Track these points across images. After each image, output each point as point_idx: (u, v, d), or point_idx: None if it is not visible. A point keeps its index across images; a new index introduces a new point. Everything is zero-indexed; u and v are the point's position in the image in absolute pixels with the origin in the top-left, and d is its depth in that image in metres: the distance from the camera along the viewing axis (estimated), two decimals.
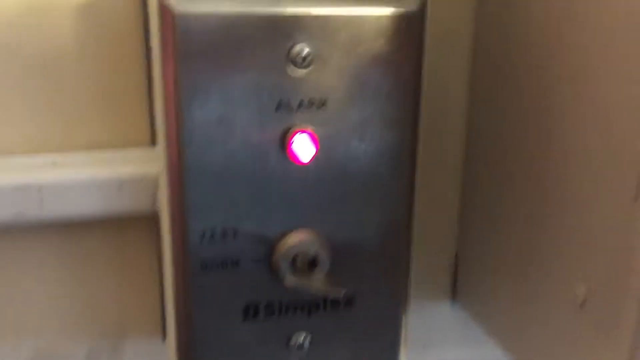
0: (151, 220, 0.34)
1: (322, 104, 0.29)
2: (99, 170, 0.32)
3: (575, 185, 0.27)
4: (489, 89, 0.34)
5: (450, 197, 0.39)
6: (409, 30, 0.29)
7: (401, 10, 0.29)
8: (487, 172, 0.35)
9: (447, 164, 0.38)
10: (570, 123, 0.28)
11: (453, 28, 0.36)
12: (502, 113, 0.33)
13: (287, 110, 0.29)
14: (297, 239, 0.30)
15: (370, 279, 0.33)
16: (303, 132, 0.29)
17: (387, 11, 0.29)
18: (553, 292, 0.29)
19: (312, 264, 0.31)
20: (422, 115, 0.32)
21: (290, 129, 0.29)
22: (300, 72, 0.29)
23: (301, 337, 0.32)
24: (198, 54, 0.28)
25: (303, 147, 0.29)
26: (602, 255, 0.26)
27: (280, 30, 0.28)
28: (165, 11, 0.27)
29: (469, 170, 0.38)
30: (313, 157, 0.29)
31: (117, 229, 0.34)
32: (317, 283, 0.30)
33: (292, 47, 0.28)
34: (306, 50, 0.28)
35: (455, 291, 0.41)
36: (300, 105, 0.29)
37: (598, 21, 0.25)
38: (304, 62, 0.28)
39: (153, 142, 0.34)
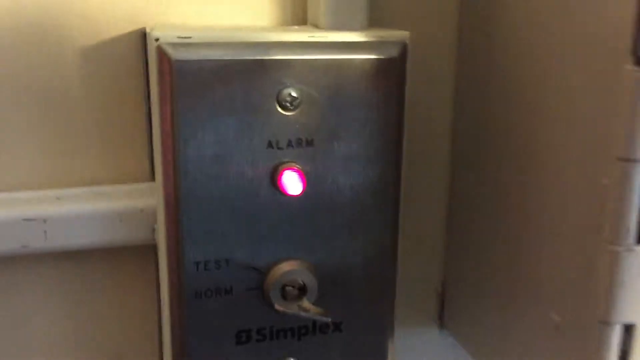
0: (149, 250, 0.35)
1: (309, 142, 0.31)
2: (101, 204, 0.33)
3: (547, 224, 0.29)
4: (471, 128, 0.36)
5: (437, 227, 0.40)
6: (390, 74, 0.31)
7: (382, 56, 0.31)
8: (470, 206, 0.36)
9: (432, 195, 0.39)
10: (541, 172, 0.29)
11: (434, 70, 0.37)
12: (485, 149, 0.34)
13: (277, 148, 0.30)
14: (286, 268, 0.32)
15: (357, 306, 0.34)
16: (292, 169, 0.31)
17: (369, 57, 0.31)
18: (531, 318, 0.30)
19: (301, 291, 0.32)
20: (405, 152, 0.33)
21: (279, 166, 0.31)
22: (289, 114, 0.30)
23: None
24: (193, 96, 0.29)
25: (292, 183, 0.31)
26: (572, 284, 0.27)
27: (270, 75, 0.29)
28: (163, 57, 0.29)
29: (454, 202, 0.39)
30: (301, 191, 0.31)
31: (117, 260, 0.35)
32: (305, 309, 0.31)
33: (280, 90, 0.30)
34: (294, 93, 0.30)
35: (442, 318, 0.42)
36: (289, 144, 0.31)
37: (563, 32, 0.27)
38: (291, 104, 0.30)
39: (152, 178, 0.34)
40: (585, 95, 0.25)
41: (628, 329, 0.24)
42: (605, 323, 0.24)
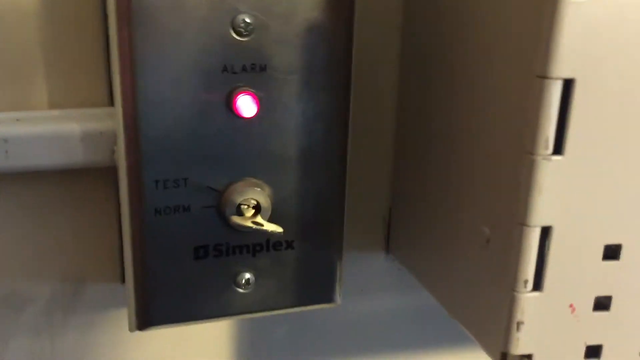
0: (109, 172, 0.36)
1: (263, 68, 0.32)
2: (61, 126, 0.33)
3: (477, 146, 0.31)
4: (415, 61, 0.37)
5: (384, 158, 0.42)
6: (340, 4, 0.32)
7: None
8: (413, 132, 0.38)
9: (380, 129, 0.41)
10: (472, 97, 0.31)
11: (382, 3, 0.38)
12: (426, 85, 0.36)
13: (232, 73, 0.31)
14: (241, 188, 0.33)
15: (308, 226, 0.35)
16: (246, 93, 0.32)
17: None
18: (466, 236, 0.33)
19: (256, 209, 0.33)
20: (354, 82, 0.34)
21: (234, 89, 0.32)
22: (243, 40, 0.31)
23: (247, 276, 0.35)
24: (150, 21, 0.30)
25: (246, 106, 0.32)
26: (500, 196, 0.29)
27: (224, 1, 0.30)
28: None
29: (399, 134, 0.40)
30: (255, 114, 0.32)
31: (77, 181, 0.36)
32: (259, 224, 0.33)
33: (235, 16, 0.31)
34: (248, 19, 0.31)
35: (388, 243, 0.44)
36: (243, 68, 0.32)
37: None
38: (245, 30, 0.31)
39: (111, 103, 0.35)
40: (516, 22, 0.27)
41: (545, 231, 0.27)
42: (526, 225, 0.27)
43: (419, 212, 0.39)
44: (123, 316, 0.39)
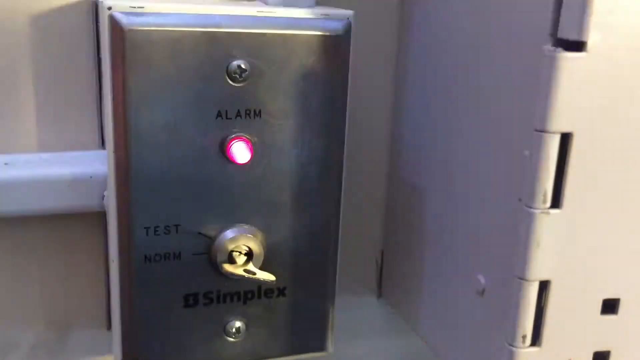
0: (98, 217, 0.35)
1: (257, 113, 0.32)
2: (49, 170, 0.33)
3: (474, 195, 0.31)
4: (410, 105, 0.37)
5: (376, 202, 0.42)
6: (335, 50, 0.32)
7: (328, 33, 0.32)
8: (407, 182, 0.38)
9: (373, 171, 0.41)
10: (470, 147, 0.31)
11: (377, 48, 0.39)
12: (421, 130, 0.36)
13: (226, 118, 0.31)
14: (233, 234, 0.33)
15: (300, 272, 0.35)
16: (240, 139, 0.32)
17: (316, 33, 0.32)
18: (460, 284, 0.32)
19: (248, 256, 0.33)
20: (348, 125, 0.34)
21: (228, 135, 0.32)
22: (238, 85, 0.31)
23: (237, 324, 0.35)
24: (145, 65, 0.30)
25: (240, 152, 0.32)
26: (496, 248, 0.29)
27: (220, 47, 0.30)
28: (115, 26, 0.29)
29: (392, 178, 0.41)
30: (249, 160, 0.32)
31: (65, 226, 0.36)
32: (251, 272, 0.33)
33: (230, 62, 0.31)
34: (243, 65, 0.31)
35: (381, 287, 0.44)
36: (237, 114, 0.32)
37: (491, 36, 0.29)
38: (240, 76, 0.31)
39: (102, 145, 0.35)
40: (514, 76, 0.28)
41: (543, 285, 0.27)
42: (524, 280, 0.26)
43: (411, 256, 0.39)
44: None
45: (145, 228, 0.32)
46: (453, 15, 0.32)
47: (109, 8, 0.29)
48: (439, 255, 0.35)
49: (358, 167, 0.41)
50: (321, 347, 0.37)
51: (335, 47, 0.33)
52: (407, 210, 0.39)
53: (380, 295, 0.44)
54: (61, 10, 0.33)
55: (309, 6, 0.33)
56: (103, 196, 0.34)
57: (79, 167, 0.34)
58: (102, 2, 0.30)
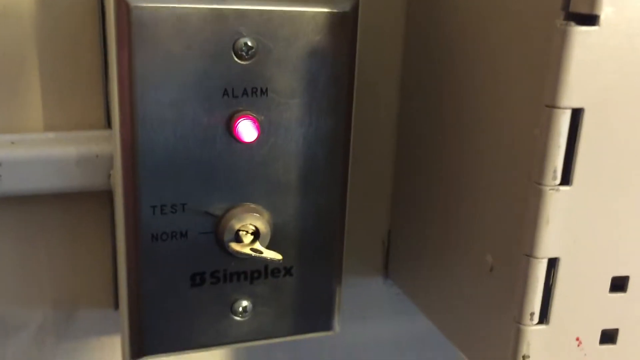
0: (104, 196, 0.35)
1: (264, 91, 0.32)
2: (56, 149, 0.33)
3: (482, 174, 0.31)
4: (418, 83, 0.37)
5: (384, 182, 0.42)
6: (342, 28, 0.32)
7: (335, 10, 0.32)
8: (415, 161, 0.38)
9: (380, 152, 0.41)
10: (479, 125, 0.31)
11: (384, 26, 0.39)
12: (429, 103, 0.36)
13: (232, 96, 0.31)
14: (240, 213, 0.33)
15: (307, 252, 0.35)
16: (246, 117, 0.32)
17: (323, 10, 0.32)
18: (468, 263, 0.32)
19: (254, 236, 0.33)
20: (355, 104, 0.34)
21: (235, 113, 0.32)
22: (244, 63, 0.31)
23: (244, 303, 0.35)
24: (151, 43, 0.30)
25: (246, 131, 0.32)
26: (505, 225, 0.29)
27: (226, 24, 0.30)
28: (121, 3, 0.29)
29: (400, 157, 0.40)
30: (255, 139, 0.32)
31: (72, 204, 0.36)
32: (258, 251, 0.33)
33: (236, 40, 0.31)
34: (249, 43, 0.31)
35: (387, 268, 0.44)
36: (244, 92, 0.32)
37: (499, 30, 0.29)
38: (247, 54, 0.31)
39: (108, 125, 0.35)
40: (525, 51, 0.27)
41: (552, 263, 0.27)
42: (533, 257, 0.26)
43: (418, 236, 0.39)
44: (116, 343, 0.39)
45: (151, 207, 0.32)
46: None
47: None
48: (446, 235, 0.35)
49: (365, 147, 0.41)
50: (328, 326, 0.37)
51: (342, 24, 0.32)
52: (415, 189, 0.39)
53: (387, 276, 0.44)
54: None
55: None
56: (109, 175, 0.34)
57: (85, 146, 0.34)
58: None
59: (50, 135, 0.34)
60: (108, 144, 0.34)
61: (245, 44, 0.31)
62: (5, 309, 0.37)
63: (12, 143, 0.33)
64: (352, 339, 0.45)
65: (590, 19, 0.24)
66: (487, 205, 0.31)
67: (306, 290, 0.36)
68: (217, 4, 0.30)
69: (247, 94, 0.32)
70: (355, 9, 0.33)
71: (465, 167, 0.33)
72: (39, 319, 0.38)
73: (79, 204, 0.36)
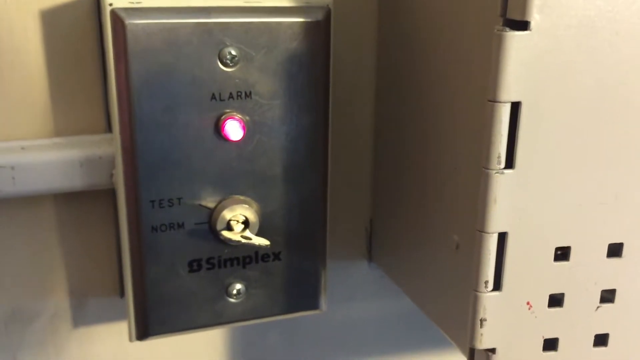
0: (107, 194, 0.38)
1: (248, 94, 0.35)
2: (62, 153, 0.35)
3: (445, 163, 0.34)
4: (390, 83, 0.40)
5: (364, 175, 0.44)
6: (317, 35, 0.35)
7: (309, 19, 0.35)
8: (390, 155, 0.41)
9: (360, 147, 0.43)
10: (438, 119, 0.34)
11: (359, 31, 0.41)
12: (399, 106, 0.38)
13: (219, 100, 0.34)
14: (231, 205, 0.36)
15: (294, 238, 0.38)
16: (233, 118, 0.34)
17: (298, 20, 0.34)
18: (439, 243, 0.35)
19: (245, 224, 0.36)
20: (334, 104, 0.36)
21: (222, 115, 0.34)
22: (229, 70, 0.34)
23: (238, 286, 0.37)
24: (145, 55, 0.32)
25: (233, 130, 0.34)
26: (465, 207, 0.32)
27: (212, 36, 0.33)
28: (117, 20, 0.32)
29: (377, 152, 0.43)
30: (242, 138, 0.35)
31: (78, 202, 0.38)
32: (248, 238, 0.36)
33: (221, 49, 0.33)
34: (233, 52, 0.34)
35: (371, 252, 0.46)
36: (230, 96, 0.34)
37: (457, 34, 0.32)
38: (231, 62, 0.34)
39: (109, 129, 0.37)
40: (472, 53, 0.30)
41: (502, 237, 0.30)
42: (484, 232, 0.30)
43: (397, 222, 0.41)
44: (123, 328, 0.42)
45: (150, 201, 0.35)
46: (423, 6, 0.35)
47: (110, 4, 0.32)
48: (420, 220, 0.38)
49: (346, 143, 0.43)
50: (315, 305, 0.40)
51: (316, 32, 0.35)
52: (392, 181, 0.41)
53: (371, 260, 0.46)
54: (66, 6, 0.35)
55: None
56: (111, 175, 0.36)
57: (89, 149, 0.36)
58: None
59: (57, 140, 0.36)
60: (109, 146, 0.36)
61: (230, 52, 0.34)
62: (21, 299, 0.39)
63: (23, 148, 0.35)
64: (341, 318, 0.47)
65: (523, 25, 0.27)
66: (450, 190, 0.34)
67: (294, 273, 0.39)
68: (203, 18, 0.33)
69: (233, 97, 0.34)
70: (327, 17, 0.35)
71: (430, 157, 0.35)
72: (52, 308, 0.40)
73: (85, 201, 0.38)
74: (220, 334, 0.45)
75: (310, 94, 0.36)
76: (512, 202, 0.29)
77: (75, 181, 0.36)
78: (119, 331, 0.42)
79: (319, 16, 0.35)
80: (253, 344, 0.46)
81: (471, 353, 0.32)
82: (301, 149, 0.37)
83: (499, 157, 0.28)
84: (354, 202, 0.44)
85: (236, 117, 0.35)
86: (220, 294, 0.38)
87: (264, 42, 0.34)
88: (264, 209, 0.37)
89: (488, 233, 0.29)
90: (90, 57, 0.36)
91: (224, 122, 0.34)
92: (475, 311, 0.31)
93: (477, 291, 0.31)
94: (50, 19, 0.35)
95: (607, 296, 0.32)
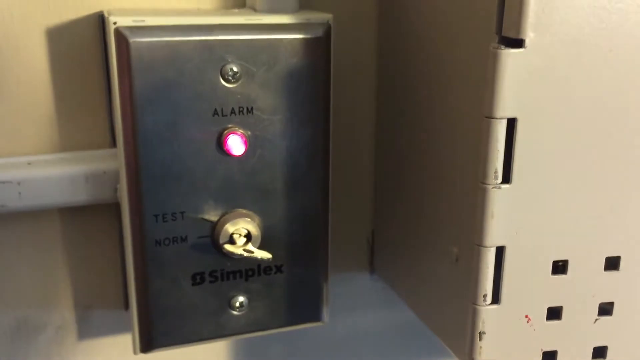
0: (112, 208, 0.38)
1: (250, 110, 0.35)
2: (67, 168, 0.36)
3: (444, 177, 0.34)
4: (390, 99, 0.40)
5: (365, 189, 0.44)
6: (317, 51, 0.35)
7: (309, 36, 0.35)
8: (391, 169, 0.41)
9: (360, 157, 0.43)
10: (437, 136, 0.34)
11: (358, 47, 0.41)
12: (399, 122, 0.39)
13: (222, 116, 0.34)
14: (233, 218, 0.36)
15: (296, 251, 0.38)
16: (235, 133, 0.35)
17: (299, 36, 0.35)
18: (439, 256, 0.36)
19: (247, 238, 0.36)
20: (335, 118, 0.37)
21: (224, 130, 0.35)
22: (231, 86, 0.34)
23: (240, 299, 0.38)
24: (148, 72, 0.33)
25: (235, 145, 0.35)
26: (463, 221, 0.33)
27: (214, 53, 0.33)
28: (121, 38, 0.32)
29: (378, 166, 0.43)
30: (244, 152, 0.35)
31: (83, 216, 0.38)
32: (250, 251, 0.36)
33: (223, 66, 0.34)
34: (235, 68, 0.34)
35: (373, 264, 0.46)
36: (232, 111, 0.35)
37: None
38: (233, 78, 0.34)
39: (113, 144, 0.38)
40: (468, 71, 0.31)
41: (500, 251, 0.31)
42: (482, 246, 0.30)
43: (398, 234, 0.42)
44: (127, 340, 0.42)
45: (154, 215, 0.35)
46: (420, 17, 0.35)
47: (114, 23, 0.32)
48: (420, 232, 0.38)
49: (347, 157, 0.43)
50: (317, 317, 0.40)
51: (316, 48, 0.35)
52: (392, 194, 0.41)
53: (373, 271, 0.47)
54: (72, 24, 0.36)
55: (293, 12, 0.36)
56: (116, 189, 0.37)
57: (94, 164, 0.37)
58: (107, 17, 0.33)
59: (62, 155, 0.37)
60: (113, 161, 0.36)
61: (231, 69, 0.34)
62: (26, 312, 0.39)
63: (29, 164, 0.36)
64: (343, 330, 0.48)
65: (518, 43, 0.27)
66: (449, 204, 0.34)
67: (296, 285, 0.39)
68: (205, 36, 0.33)
69: (235, 112, 0.35)
70: (327, 34, 0.36)
71: (429, 171, 0.36)
72: (58, 321, 0.40)
73: (90, 215, 0.39)
74: (224, 346, 0.45)
75: (310, 108, 0.36)
76: (509, 216, 0.30)
77: (80, 196, 0.37)
78: (124, 343, 0.42)
79: (319, 32, 0.35)
80: (256, 356, 0.46)
81: None
82: (302, 162, 0.37)
83: (495, 172, 0.29)
84: (356, 214, 0.45)
85: (238, 132, 0.35)
86: (223, 307, 0.38)
87: (265, 59, 0.35)
88: (266, 222, 0.37)
89: (486, 247, 0.30)
90: (95, 74, 0.37)
91: (226, 137, 0.35)
92: (474, 324, 0.31)
93: (475, 304, 0.31)
94: (55, 36, 0.36)
95: (606, 308, 0.33)
